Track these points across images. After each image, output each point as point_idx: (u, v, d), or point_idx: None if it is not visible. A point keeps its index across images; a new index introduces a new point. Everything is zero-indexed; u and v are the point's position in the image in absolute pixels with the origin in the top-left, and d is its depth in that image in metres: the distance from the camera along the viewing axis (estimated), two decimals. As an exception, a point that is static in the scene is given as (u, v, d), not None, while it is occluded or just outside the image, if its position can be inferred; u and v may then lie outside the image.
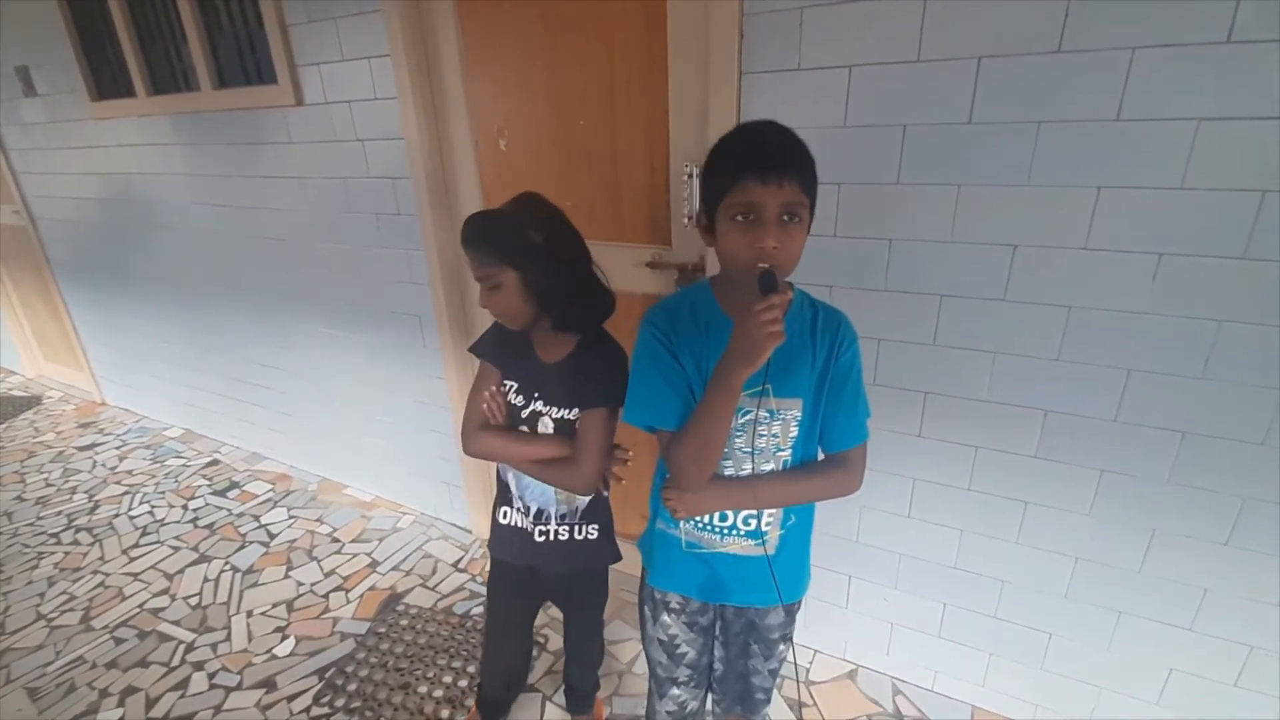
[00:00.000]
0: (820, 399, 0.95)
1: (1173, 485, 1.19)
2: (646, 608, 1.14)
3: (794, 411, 0.93)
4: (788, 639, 1.12)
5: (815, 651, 1.75)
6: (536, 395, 1.17)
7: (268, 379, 2.66)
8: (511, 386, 1.19)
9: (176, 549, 2.31)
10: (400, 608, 1.98)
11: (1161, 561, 1.25)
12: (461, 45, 1.68)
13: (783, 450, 0.96)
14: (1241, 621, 1.22)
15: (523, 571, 1.31)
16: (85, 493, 2.71)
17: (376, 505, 2.51)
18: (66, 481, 2.80)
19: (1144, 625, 1.30)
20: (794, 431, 0.95)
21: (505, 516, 1.29)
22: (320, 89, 1.92)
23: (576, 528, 1.25)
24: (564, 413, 1.15)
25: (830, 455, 1.00)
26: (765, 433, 0.94)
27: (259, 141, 2.15)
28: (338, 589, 2.08)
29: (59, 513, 2.58)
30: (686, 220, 1.50)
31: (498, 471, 1.28)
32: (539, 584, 1.33)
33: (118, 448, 3.08)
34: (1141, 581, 1.28)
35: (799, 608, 1.13)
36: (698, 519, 1.00)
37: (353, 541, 2.31)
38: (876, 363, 1.37)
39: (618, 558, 1.31)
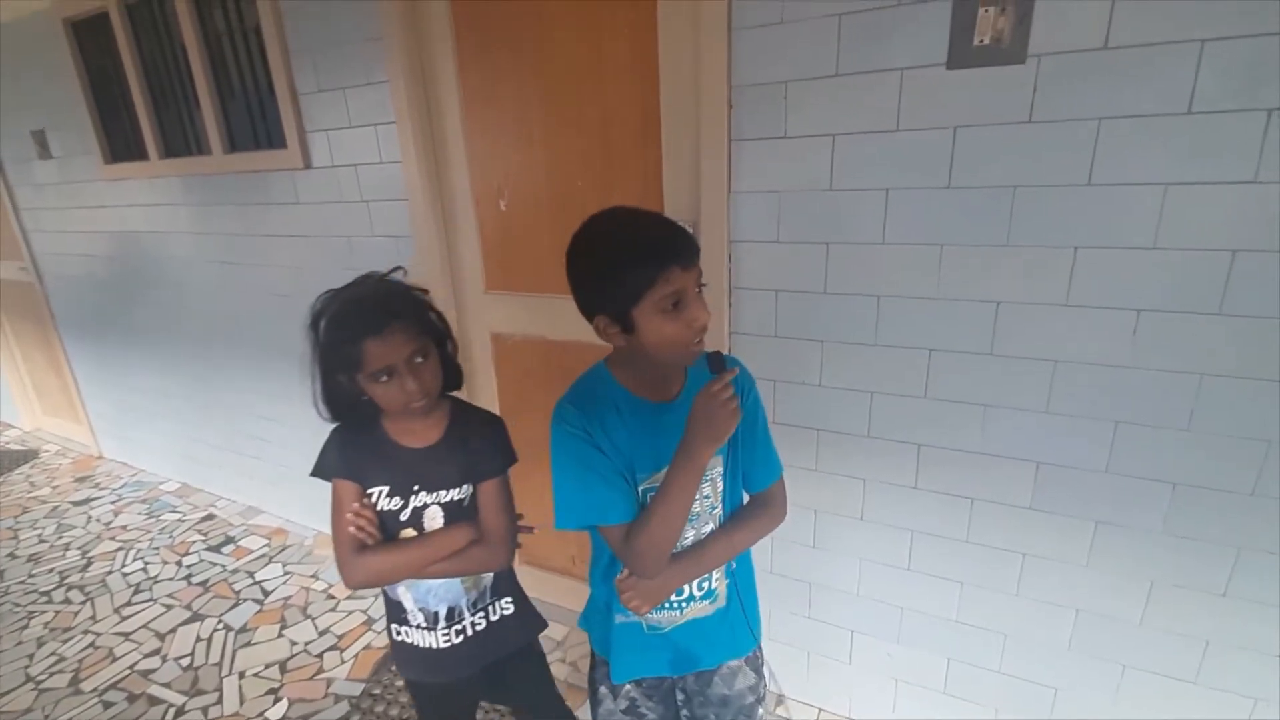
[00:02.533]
0: (735, 447, 0.99)
1: (1167, 536, 1.20)
2: (603, 688, 1.10)
3: (717, 469, 0.97)
4: (761, 698, 1.11)
5: (819, 709, 1.71)
6: (416, 487, 1.07)
7: (266, 432, 2.67)
8: (380, 492, 1.07)
9: (169, 607, 2.28)
10: (395, 668, 1.94)
11: (1162, 613, 1.24)
12: (464, 113, 1.76)
13: (716, 508, 0.99)
14: (1245, 673, 1.21)
15: (444, 686, 1.19)
16: (79, 549, 2.68)
17: (373, 559, 2.48)
18: (60, 538, 2.77)
19: (1148, 678, 1.29)
20: (721, 485, 0.98)
21: (404, 635, 1.16)
22: (328, 153, 2.00)
23: (491, 608, 1.17)
24: (454, 494, 1.09)
25: (755, 496, 1.04)
26: (698, 496, 0.93)
27: (267, 202, 2.21)
28: (332, 648, 2.04)
29: (51, 570, 2.55)
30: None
31: (384, 591, 1.16)
32: (467, 691, 1.23)
33: (113, 502, 3.06)
34: (1143, 633, 1.27)
35: (763, 660, 1.13)
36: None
37: (348, 598, 2.28)
38: (870, 416, 1.39)
39: (544, 624, 1.24)
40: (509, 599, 1.19)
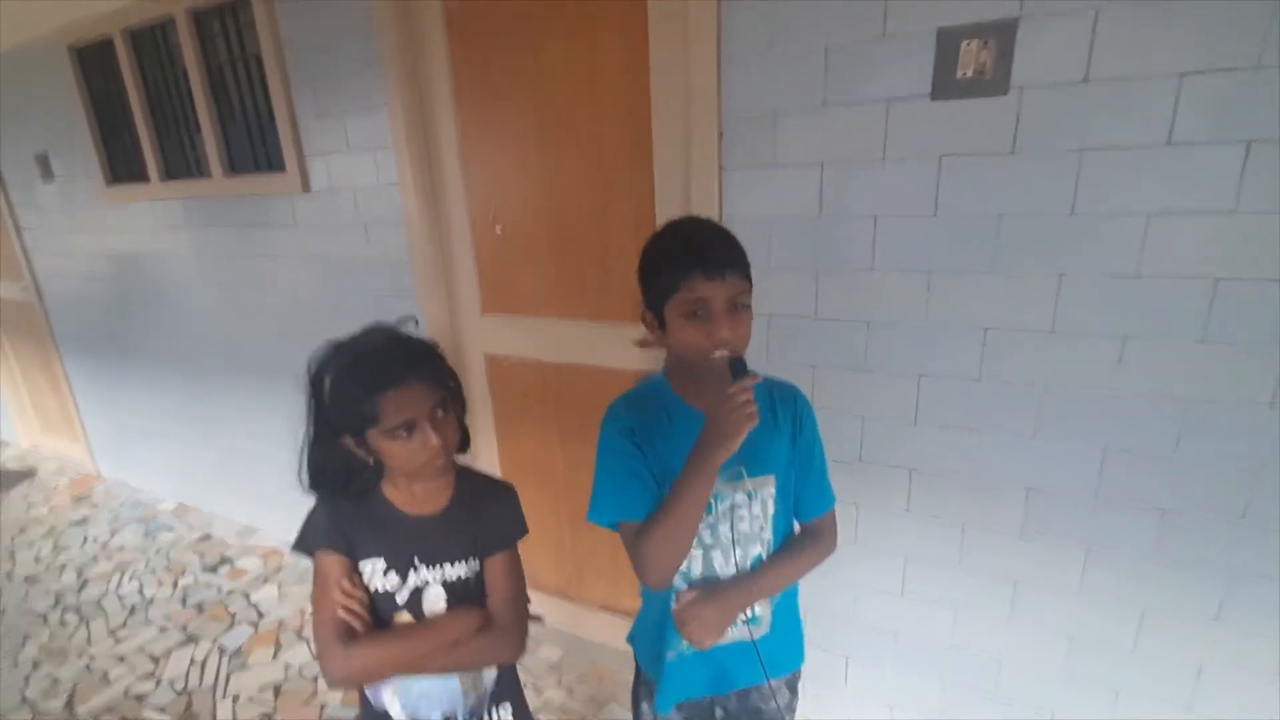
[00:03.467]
0: (790, 471, 0.98)
1: (1158, 561, 1.20)
2: (645, 705, 1.10)
3: (769, 488, 0.96)
4: (793, 717, 1.12)
5: (816, 733, 1.70)
6: (417, 560, 0.96)
7: (264, 453, 2.68)
8: (374, 567, 0.95)
9: (164, 629, 2.27)
10: (391, 691, 1.93)
11: (1154, 638, 1.24)
12: (460, 138, 1.79)
13: (765, 530, 0.97)
14: (1238, 698, 1.20)
15: None
16: (75, 569, 2.68)
17: (369, 580, 2.48)
18: (57, 558, 2.77)
19: (1143, 704, 1.28)
20: (771, 509, 0.97)
21: None
22: (326, 177, 2.02)
23: (488, 715, 1.05)
24: (459, 570, 0.98)
25: (806, 526, 1.03)
26: (746, 515, 0.95)
27: (266, 224, 2.24)
28: (327, 671, 2.03)
29: (48, 591, 2.54)
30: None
31: (363, 697, 1.01)
32: None
33: (110, 522, 3.06)
34: (1137, 659, 1.27)
35: (800, 678, 1.13)
36: None
37: (344, 619, 2.27)
38: (861, 440, 1.40)
39: None
40: (508, 703, 1.06)
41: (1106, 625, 1.27)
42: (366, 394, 0.87)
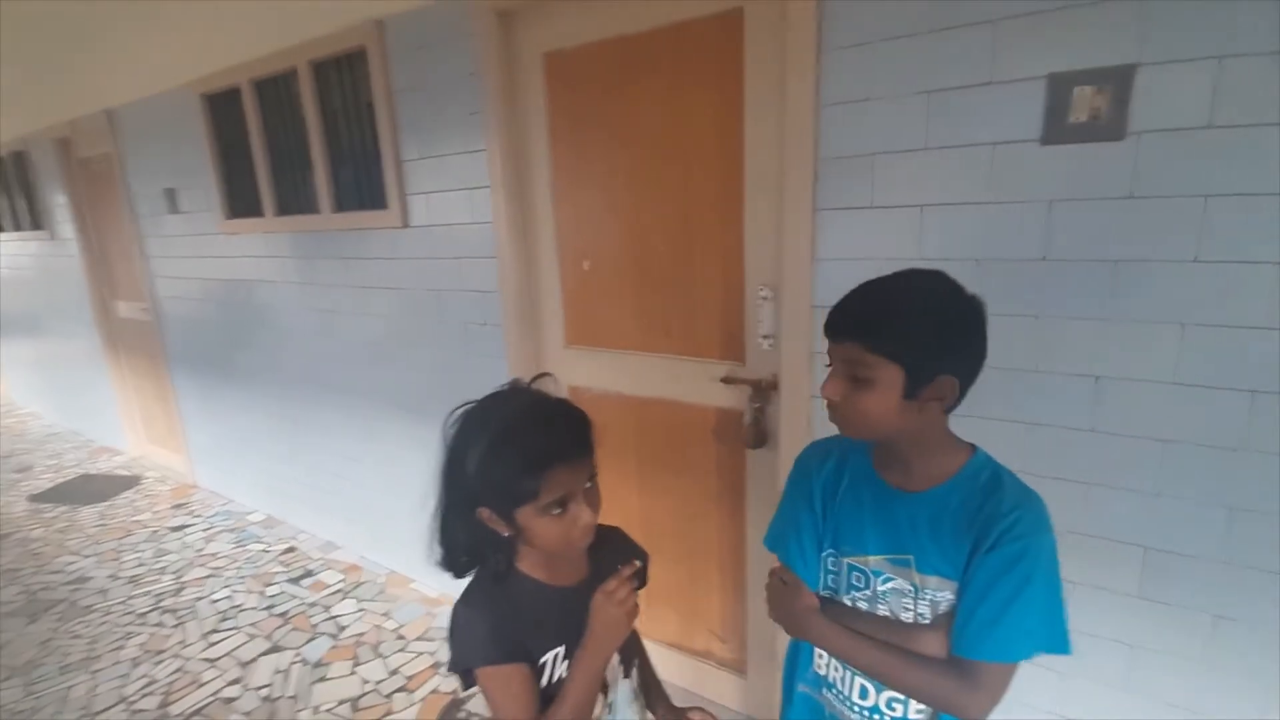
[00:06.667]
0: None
1: (1298, 636, 1.10)
2: None
3: (947, 593, 0.83)
4: None
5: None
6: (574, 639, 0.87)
7: (346, 470, 2.81)
8: (554, 657, 0.87)
9: (252, 636, 2.39)
10: (462, 715, 1.96)
11: (1295, 723, 1.13)
12: (553, 176, 1.87)
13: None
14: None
15: None
16: (173, 573, 2.85)
17: (441, 602, 2.54)
18: (157, 561, 2.97)
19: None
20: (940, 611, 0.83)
21: None
22: (425, 213, 2.15)
23: None
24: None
25: (958, 661, 0.82)
26: (912, 608, 0.84)
27: (367, 257, 2.39)
28: (401, 689, 2.08)
29: (148, 592, 2.72)
30: (761, 339, 1.57)
31: None
32: None
33: (205, 530, 3.25)
34: (1274, 744, 1.15)
35: None
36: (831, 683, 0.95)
37: (417, 639, 2.33)
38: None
39: None
40: None
41: (1235, 702, 1.17)
42: (528, 470, 0.77)
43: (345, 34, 2.16)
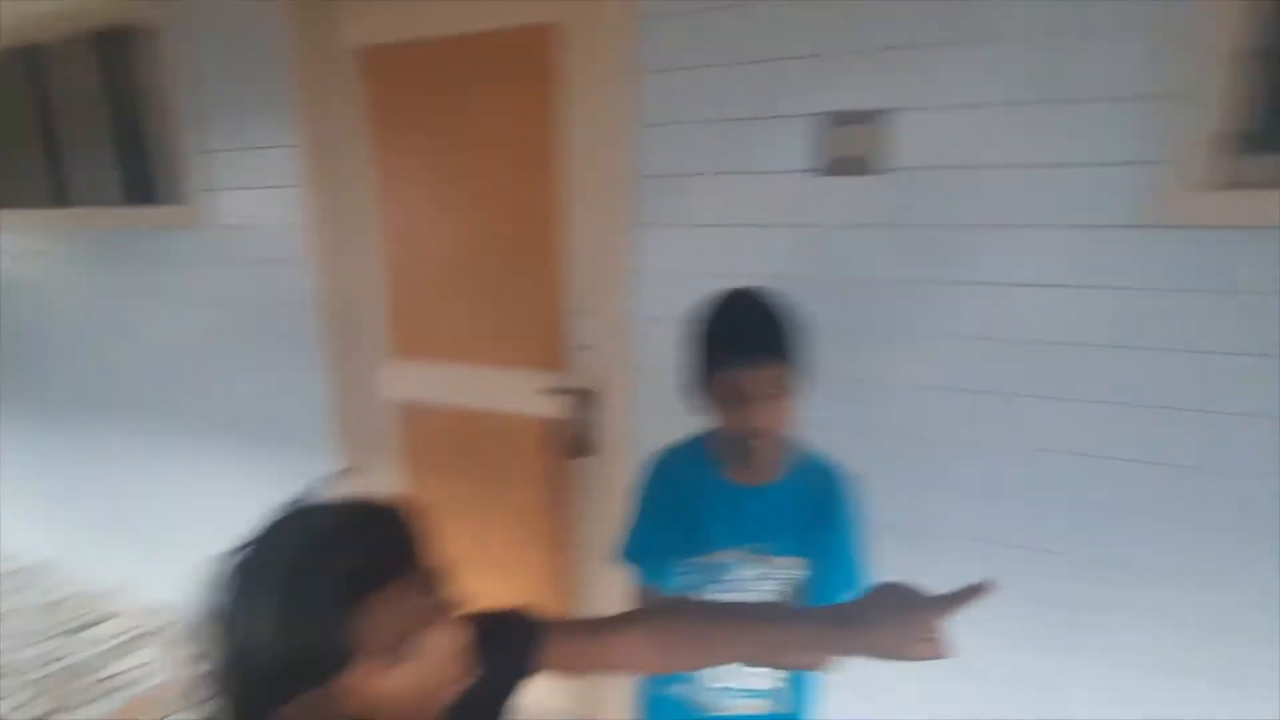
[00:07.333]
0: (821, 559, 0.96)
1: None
2: None
3: (797, 570, 0.95)
4: None
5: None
6: None
7: (142, 502, 2.46)
8: None
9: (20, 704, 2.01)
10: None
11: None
12: (378, 178, 1.77)
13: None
14: None
15: None
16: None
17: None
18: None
19: None
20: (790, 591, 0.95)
21: None
22: (229, 210, 1.93)
23: None
24: None
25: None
26: (767, 589, 0.95)
27: (158, 261, 2.11)
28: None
29: None
30: (582, 349, 1.60)
31: None
32: None
33: (-48, 580, 2.69)
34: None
35: None
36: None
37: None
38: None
39: None
40: None
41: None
42: (338, 614, 0.53)
43: (134, 3, 1.90)
